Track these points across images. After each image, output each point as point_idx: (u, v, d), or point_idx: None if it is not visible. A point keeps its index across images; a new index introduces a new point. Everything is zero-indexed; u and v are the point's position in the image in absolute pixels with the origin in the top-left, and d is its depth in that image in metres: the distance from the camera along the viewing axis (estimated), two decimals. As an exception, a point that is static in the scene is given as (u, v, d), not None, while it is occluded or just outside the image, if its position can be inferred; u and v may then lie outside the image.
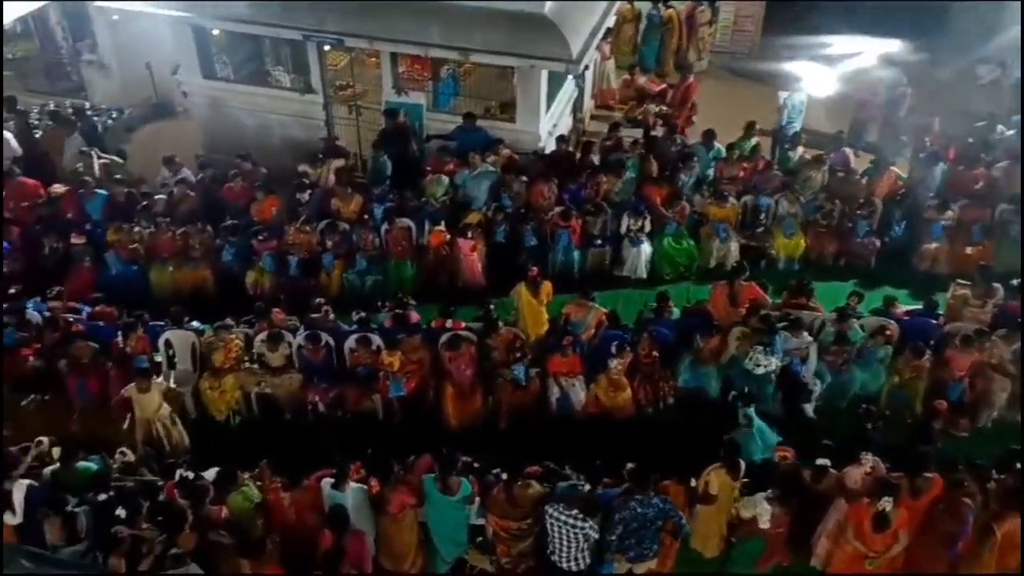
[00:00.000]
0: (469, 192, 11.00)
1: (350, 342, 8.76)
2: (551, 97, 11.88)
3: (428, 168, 11.31)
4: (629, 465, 6.93)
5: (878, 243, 10.74)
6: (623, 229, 10.65)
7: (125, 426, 8.13)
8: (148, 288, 10.27)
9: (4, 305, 9.09)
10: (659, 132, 12.30)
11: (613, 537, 6.78)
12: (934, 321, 9.12)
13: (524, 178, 10.94)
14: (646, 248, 10.57)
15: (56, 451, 7.29)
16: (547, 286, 9.41)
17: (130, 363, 8.51)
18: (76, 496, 6.88)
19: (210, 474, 7.25)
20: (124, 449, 7.73)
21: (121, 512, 6.65)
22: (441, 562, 7.39)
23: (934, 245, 10.53)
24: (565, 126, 12.72)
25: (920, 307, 9.38)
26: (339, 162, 11.54)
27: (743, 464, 7.11)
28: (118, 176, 11.42)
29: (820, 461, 7.19)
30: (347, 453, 7.22)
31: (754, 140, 11.81)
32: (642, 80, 14.09)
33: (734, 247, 10.72)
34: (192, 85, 12.58)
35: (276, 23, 11.25)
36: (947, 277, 10.13)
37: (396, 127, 11.40)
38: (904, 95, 12.73)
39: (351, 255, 10.37)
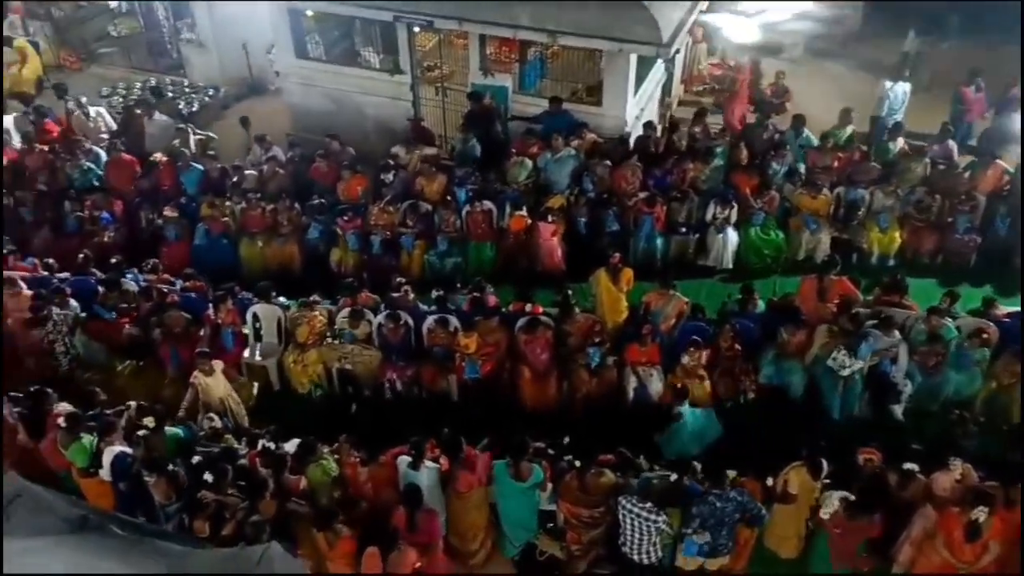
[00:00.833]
0: (551, 175, 10.92)
1: (429, 322, 8.85)
2: (639, 81, 11.66)
3: (513, 151, 11.30)
4: (696, 465, 6.90)
5: (979, 240, 10.21)
6: (709, 217, 10.42)
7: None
8: (238, 262, 10.58)
9: (104, 275, 9.54)
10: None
11: (689, 530, 6.68)
12: (1037, 324, 8.63)
13: (608, 162, 10.81)
14: (732, 237, 10.31)
15: (147, 420, 7.56)
16: (627, 273, 9.27)
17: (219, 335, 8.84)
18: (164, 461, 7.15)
19: (290, 445, 7.45)
20: (212, 415, 7.97)
21: (208, 477, 6.89)
22: (510, 546, 7.43)
23: (1040, 244, 9.94)
24: (653, 111, 12.49)
25: (1021, 309, 8.88)
26: (431, 150, 11.59)
27: (825, 464, 6.90)
28: (212, 152, 11.80)
29: (907, 465, 6.91)
30: (421, 432, 7.30)
31: (849, 129, 11.37)
32: (733, 63, 13.72)
33: (825, 240, 10.35)
34: (285, 65, 12.87)
35: (368, 4, 11.37)
36: (1054, 278, 9.56)
37: (482, 109, 11.42)
38: (1016, 95, 11.94)
39: (432, 236, 10.46)
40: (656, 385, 8.42)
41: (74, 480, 7.40)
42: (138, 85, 14.80)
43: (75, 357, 8.90)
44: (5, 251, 9.86)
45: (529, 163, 10.97)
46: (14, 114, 12.74)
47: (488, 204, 10.49)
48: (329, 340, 9.01)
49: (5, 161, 11.38)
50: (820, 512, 6.74)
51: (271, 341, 9.17)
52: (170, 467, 6.96)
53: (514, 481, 6.98)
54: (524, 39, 11.40)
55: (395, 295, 9.21)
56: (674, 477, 6.83)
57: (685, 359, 8.30)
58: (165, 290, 9.38)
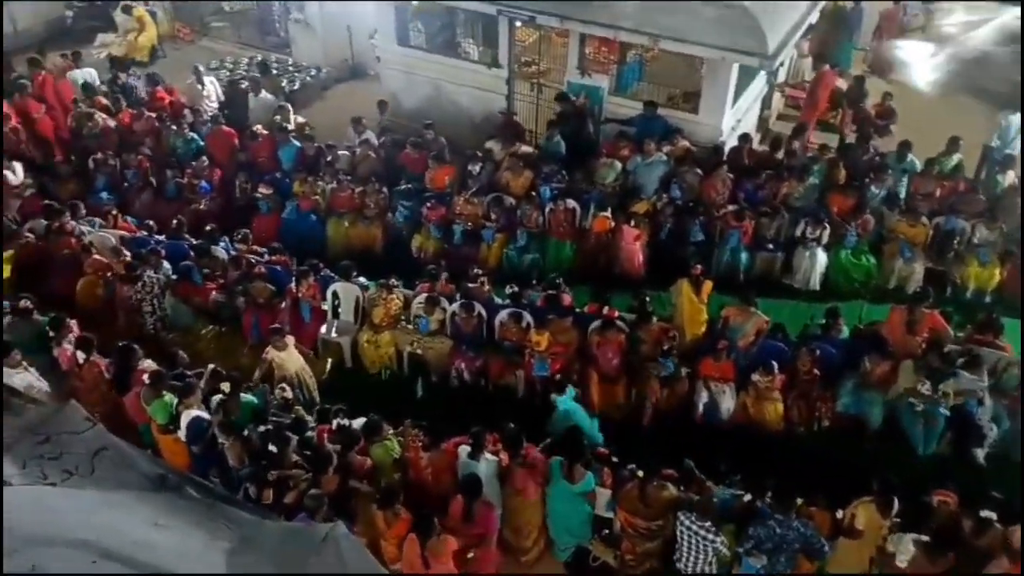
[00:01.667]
0: (639, 180, 10.80)
1: (502, 316, 8.87)
2: (739, 91, 11.43)
3: (603, 151, 11.21)
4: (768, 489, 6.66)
5: (1087, 284, 9.64)
6: (798, 235, 10.13)
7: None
8: (323, 240, 10.81)
9: (196, 241, 9.90)
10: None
11: (741, 550, 6.53)
12: None
13: (698, 171, 10.62)
14: (822, 258, 10.02)
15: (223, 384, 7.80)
16: (708, 285, 9.11)
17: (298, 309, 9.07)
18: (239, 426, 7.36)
19: (356, 423, 7.58)
20: (284, 385, 8.16)
21: (273, 448, 7.07)
22: (561, 549, 7.39)
23: None
24: (750, 123, 12.21)
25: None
26: (526, 149, 11.60)
27: (896, 502, 6.63)
28: (310, 130, 12.07)
29: (985, 513, 6.58)
30: (484, 424, 7.32)
31: (956, 157, 10.86)
32: (839, 82, 13.28)
33: (919, 269, 9.96)
34: (386, 50, 13.09)
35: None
36: None
37: (575, 108, 11.37)
38: None
39: (513, 230, 10.48)
40: (727, 402, 8.25)
41: (153, 436, 7.70)
42: (244, 61, 15.28)
43: (160, 318, 9.25)
44: (112, 209, 10.43)
45: (618, 165, 10.88)
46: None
47: (572, 203, 10.45)
48: (403, 324, 9.13)
49: (113, 124, 11.92)
50: (896, 559, 6.44)
51: (348, 320, 9.35)
52: (245, 432, 7.17)
53: (565, 482, 6.94)
54: (625, 41, 11.30)
55: (471, 286, 9.26)
56: (748, 498, 6.68)
57: (756, 377, 8.10)
58: (253, 260, 9.65)
